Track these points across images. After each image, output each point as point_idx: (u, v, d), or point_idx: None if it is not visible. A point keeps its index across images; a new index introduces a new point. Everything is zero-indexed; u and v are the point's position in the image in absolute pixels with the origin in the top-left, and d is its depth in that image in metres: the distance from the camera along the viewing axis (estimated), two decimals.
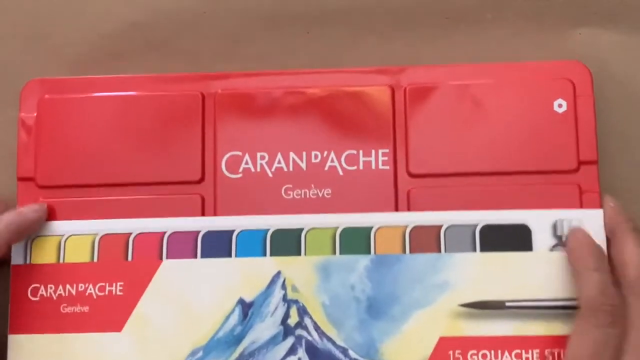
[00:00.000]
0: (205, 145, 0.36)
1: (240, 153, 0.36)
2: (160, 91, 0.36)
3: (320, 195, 0.35)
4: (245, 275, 0.33)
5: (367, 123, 0.36)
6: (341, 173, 0.35)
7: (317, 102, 0.36)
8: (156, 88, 0.36)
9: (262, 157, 0.36)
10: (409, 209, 0.35)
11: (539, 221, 0.33)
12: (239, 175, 0.36)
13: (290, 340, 0.33)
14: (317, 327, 0.33)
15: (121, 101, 0.36)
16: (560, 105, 0.35)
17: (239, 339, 0.33)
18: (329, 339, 0.33)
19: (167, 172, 0.36)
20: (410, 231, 0.34)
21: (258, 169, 0.36)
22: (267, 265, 0.34)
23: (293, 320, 0.33)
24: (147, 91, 0.36)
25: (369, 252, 0.34)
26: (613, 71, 0.38)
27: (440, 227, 0.34)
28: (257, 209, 0.35)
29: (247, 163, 0.36)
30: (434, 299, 0.33)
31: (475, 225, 0.34)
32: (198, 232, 0.34)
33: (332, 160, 0.35)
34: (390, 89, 0.36)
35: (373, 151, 0.35)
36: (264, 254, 0.34)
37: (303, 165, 0.35)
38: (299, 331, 0.33)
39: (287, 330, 0.33)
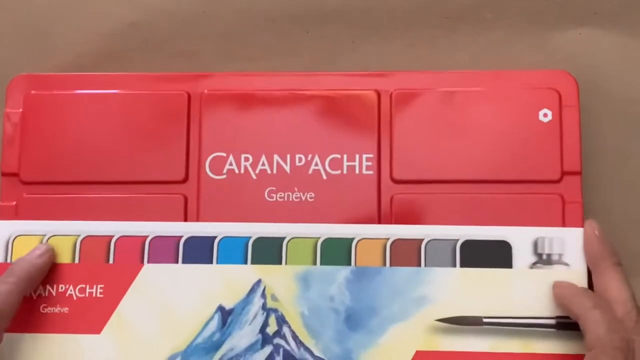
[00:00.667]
0: (190, 145, 0.36)
1: (224, 154, 0.36)
2: (147, 90, 0.36)
3: (304, 198, 0.35)
4: (226, 282, 0.33)
5: (352, 127, 0.36)
6: (325, 177, 0.35)
7: (302, 105, 0.36)
8: (142, 87, 0.36)
9: (247, 159, 0.36)
10: (391, 215, 0.35)
11: (520, 238, 0.33)
12: (223, 177, 0.36)
13: (268, 349, 0.33)
14: (295, 337, 0.33)
15: (107, 99, 0.36)
16: (545, 115, 0.35)
17: (217, 346, 0.33)
18: (307, 349, 0.33)
19: (152, 171, 0.36)
20: (391, 244, 0.34)
21: (242, 171, 0.36)
22: (248, 273, 0.34)
23: (272, 329, 0.33)
24: (133, 90, 0.36)
25: (349, 263, 0.33)
26: (613, 71, 0.38)
27: (421, 241, 0.34)
28: (240, 211, 0.35)
29: (231, 164, 0.36)
30: (412, 312, 0.33)
31: (456, 240, 0.33)
32: (180, 238, 0.34)
33: (316, 164, 0.35)
34: (376, 94, 0.36)
35: (357, 156, 0.35)
36: (245, 262, 0.34)
37: (287, 168, 0.35)
38: (277, 340, 0.33)
39: (265, 339, 0.33)
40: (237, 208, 0.35)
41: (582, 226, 0.34)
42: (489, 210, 0.35)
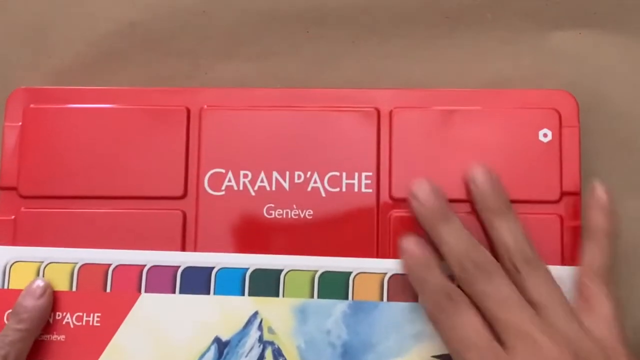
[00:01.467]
0: (189, 161, 0.36)
1: (223, 170, 0.36)
2: (146, 105, 0.36)
3: (302, 215, 0.35)
4: (223, 313, 0.33)
5: (352, 145, 0.36)
6: (324, 194, 0.35)
7: (302, 122, 0.36)
8: (142, 101, 0.36)
9: (245, 175, 0.36)
10: (390, 233, 0.35)
11: None
12: (222, 193, 0.36)
13: None
14: None
15: (107, 113, 0.36)
16: (545, 135, 0.35)
17: None
18: None
19: (150, 187, 0.36)
20: (389, 279, 0.33)
21: (241, 187, 0.35)
22: (245, 304, 0.33)
23: None
24: (132, 104, 0.36)
25: (346, 297, 0.33)
26: (614, 72, 0.38)
27: None
28: (239, 227, 0.35)
29: (230, 181, 0.36)
30: (408, 348, 0.33)
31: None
32: (178, 267, 0.34)
33: (315, 182, 0.35)
34: (376, 111, 0.36)
35: (356, 174, 0.35)
36: (242, 293, 0.33)
37: (286, 185, 0.35)
38: None
39: None
40: (235, 224, 0.35)
41: (580, 248, 0.34)
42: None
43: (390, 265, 0.34)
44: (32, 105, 0.36)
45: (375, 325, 0.33)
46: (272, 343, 0.33)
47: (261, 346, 0.33)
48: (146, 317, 0.33)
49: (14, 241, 0.35)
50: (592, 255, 0.33)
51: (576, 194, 0.35)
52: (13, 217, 0.35)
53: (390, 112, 0.36)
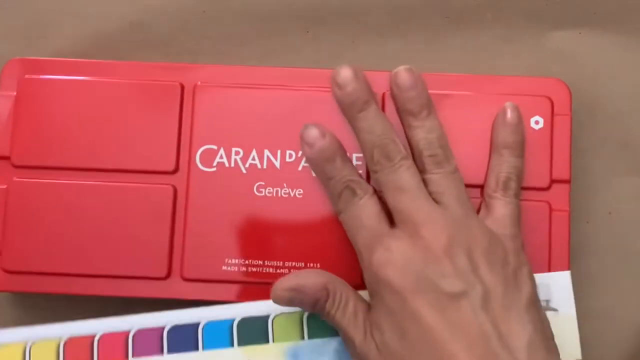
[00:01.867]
0: (182, 136, 0.36)
1: (215, 147, 0.36)
2: (141, 79, 0.36)
3: (292, 195, 0.35)
4: None
5: (343, 125, 0.36)
6: (314, 174, 0.35)
7: (295, 101, 0.36)
8: (137, 75, 0.36)
9: (237, 153, 0.36)
10: None
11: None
12: (213, 169, 0.36)
13: None
14: None
15: (101, 86, 0.36)
16: (537, 122, 0.35)
17: None
18: None
19: (142, 161, 0.36)
20: None
21: (232, 164, 0.36)
22: (236, 356, 0.33)
23: None
24: (127, 78, 0.36)
25: (338, 334, 0.33)
26: (613, 71, 0.38)
27: None
28: (229, 205, 0.35)
29: (221, 157, 0.36)
30: None
31: None
32: (163, 328, 0.33)
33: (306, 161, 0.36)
34: None
35: (348, 154, 0.35)
36: (232, 345, 0.33)
37: (277, 164, 0.36)
38: None
39: None
40: (225, 201, 0.35)
41: (569, 236, 0.34)
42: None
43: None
44: (26, 76, 0.36)
45: None
46: None
47: None
48: None
49: (6, 210, 0.35)
50: (497, 169, 0.34)
51: (566, 181, 0.35)
52: (5, 186, 0.36)
53: (383, 95, 0.36)
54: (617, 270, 0.37)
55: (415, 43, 0.38)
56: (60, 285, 0.35)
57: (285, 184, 0.35)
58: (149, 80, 0.36)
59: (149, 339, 0.33)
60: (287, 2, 0.39)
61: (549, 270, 0.34)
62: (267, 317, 0.33)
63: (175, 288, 0.35)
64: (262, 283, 0.35)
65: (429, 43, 0.38)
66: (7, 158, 0.36)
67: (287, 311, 0.33)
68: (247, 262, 0.35)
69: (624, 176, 0.37)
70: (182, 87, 0.36)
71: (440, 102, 0.35)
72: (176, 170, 0.36)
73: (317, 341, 0.33)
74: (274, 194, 0.35)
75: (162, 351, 0.33)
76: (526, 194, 0.35)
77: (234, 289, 0.35)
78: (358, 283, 0.35)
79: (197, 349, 0.33)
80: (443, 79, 0.36)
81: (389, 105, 0.36)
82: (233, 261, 0.35)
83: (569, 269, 0.34)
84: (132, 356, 0.33)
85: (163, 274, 0.35)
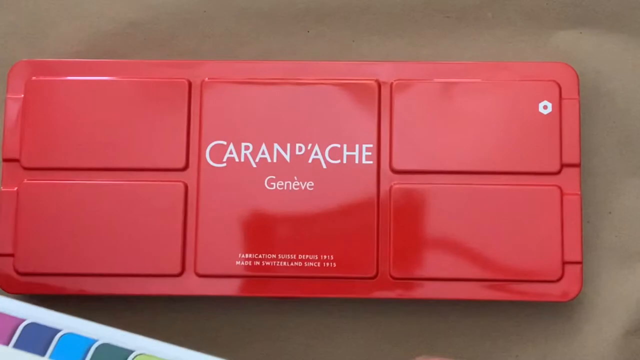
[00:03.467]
0: (191, 132, 0.36)
1: (225, 142, 0.36)
2: (147, 77, 0.36)
3: (303, 187, 0.35)
4: None
5: (353, 117, 0.36)
6: (325, 166, 0.35)
7: (303, 94, 0.36)
8: (144, 74, 0.36)
9: (247, 147, 0.36)
10: (390, 204, 0.35)
11: None
12: (223, 165, 0.36)
13: None
14: None
15: (109, 85, 0.36)
16: (545, 107, 0.35)
17: None
18: None
19: (152, 159, 0.36)
20: None
21: (242, 159, 0.36)
22: None
23: None
24: (134, 77, 0.36)
25: None
26: (614, 71, 0.38)
27: None
28: (240, 199, 0.35)
29: (231, 153, 0.36)
30: None
31: None
32: (22, 320, 0.29)
33: (316, 153, 0.36)
34: (377, 84, 0.36)
35: (357, 146, 0.36)
36: None
37: (287, 157, 0.36)
38: None
39: None
40: (237, 196, 0.35)
41: (581, 219, 0.34)
42: (487, 201, 0.35)
43: None
44: (34, 78, 0.36)
45: None
46: None
47: None
48: None
49: (17, 213, 0.35)
50: None
51: (576, 165, 0.35)
52: (16, 188, 0.36)
53: (391, 85, 0.36)
54: (617, 271, 0.37)
55: (416, 43, 0.38)
56: (74, 286, 0.35)
57: (296, 177, 0.35)
58: (156, 78, 0.36)
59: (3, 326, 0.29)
60: (287, 2, 0.39)
61: (562, 254, 0.34)
62: (130, 352, 0.29)
63: (190, 284, 0.35)
64: (275, 277, 0.35)
65: (430, 42, 0.38)
66: (16, 160, 0.36)
67: (154, 352, 0.29)
68: (260, 256, 0.35)
69: (624, 176, 0.37)
70: (190, 84, 0.36)
71: (448, 90, 0.35)
72: (186, 167, 0.36)
73: None
74: (285, 188, 0.35)
75: (8, 342, 0.29)
76: (537, 179, 0.35)
77: (248, 283, 0.35)
78: (371, 276, 0.35)
79: (43, 354, 0.29)
80: (451, 66, 0.36)
81: (397, 98, 0.36)
82: (246, 256, 0.35)
83: (581, 251, 0.34)
84: None
85: (177, 270, 0.35)
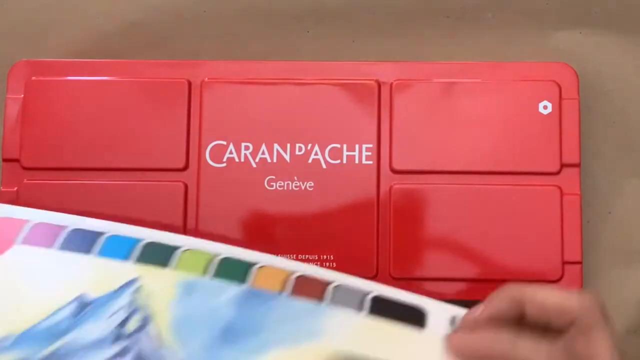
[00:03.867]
0: (191, 133, 0.36)
1: (224, 142, 0.36)
2: (147, 77, 0.36)
3: (303, 187, 0.35)
4: (97, 274, 0.32)
5: (353, 117, 0.36)
6: (324, 166, 0.35)
7: (303, 94, 0.36)
8: (143, 74, 0.37)
9: (247, 147, 0.36)
10: (389, 204, 0.35)
11: (438, 311, 0.30)
12: (223, 165, 0.36)
13: (117, 347, 0.30)
14: (156, 339, 0.30)
15: (109, 85, 0.36)
16: (545, 107, 0.35)
17: (61, 334, 0.31)
18: (168, 352, 0.30)
19: (152, 159, 0.36)
20: (297, 277, 0.31)
21: (242, 159, 0.36)
22: (125, 269, 0.32)
23: (132, 326, 0.31)
24: (134, 77, 0.36)
25: (244, 282, 0.31)
26: (614, 70, 0.38)
27: (330, 282, 0.31)
28: (240, 199, 0.35)
29: (231, 153, 0.36)
30: (302, 342, 0.30)
31: (369, 292, 0.31)
32: (65, 227, 0.32)
33: (316, 154, 0.36)
34: (377, 84, 0.36)
35: (357, 146, 0.36)
36: (127, 259, 0.32)
37: (287, 157, 0.36)
38: (133, 338, 0.31)
39: (119, 336, 0.31)
40: (237, 196, 0.35)
41: (581, 219, 0.34)
42: (486, 201, 0.35)
43: (300, 267, 0.31)
44: (33, 78, 0.36)
45: (269, 314, 0.30)
46: (144, 308, 0.31)
47: (130, 310, 0.31)
48: (10, 267, 0.32)
49: None
50: None
51: (576, 165, 0.35)
52: (16, 188, 0.36)
53: (391, 85, 0.36)
54: (617, 271, 0.37)
55: (416, 42, 0.38)
56: None
57: (295, 177, 0.35)
58: (155, 78, 0.36)
59: (46, 233, 0.32)
60: (287, 2, 0.39)
61: (562, 254, 0.34)
62: (177, 248, 0.32)
63: None
64: None
65: (430, 42, 0.38)
66: (16, 160, 0.36)
67: (200, 249, 0.32)
68: None
69: (624, 176, 0.37)
70: (190, 84, 0.36)
71: (448, 90, 0.35)
72: (186, 167, 0.36)
73: (218, 282, 0.31)
74: (285, 187, 0.35)
75: (52, 246, 0.32)
76: (537, 179, 0.35)
77: None
78: (371, 275, 0.35)
79: (89, 253, 0.32)
80: (451, 67, 0.36)
81: (397, 98, 0.36)
82: None
83: (581, 251, 0.34)
84: (22, 243, 0.32)
85: None
